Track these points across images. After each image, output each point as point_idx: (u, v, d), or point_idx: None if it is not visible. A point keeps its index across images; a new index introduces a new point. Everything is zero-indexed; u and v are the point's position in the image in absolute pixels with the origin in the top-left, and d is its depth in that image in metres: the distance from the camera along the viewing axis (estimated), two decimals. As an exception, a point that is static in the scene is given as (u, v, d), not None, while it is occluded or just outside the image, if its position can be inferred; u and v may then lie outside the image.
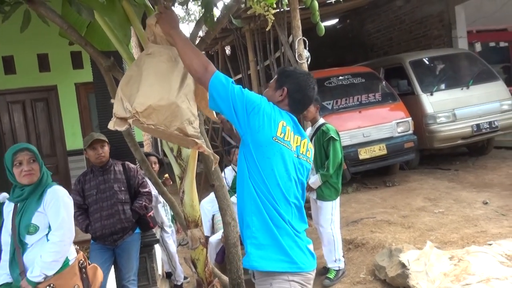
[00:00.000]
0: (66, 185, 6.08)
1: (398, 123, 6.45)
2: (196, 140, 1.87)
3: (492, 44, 10.09)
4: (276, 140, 1.75)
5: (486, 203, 4.97)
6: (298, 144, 1.85)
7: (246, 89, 1.77)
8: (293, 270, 1.74)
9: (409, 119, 6.52)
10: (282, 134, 1.78)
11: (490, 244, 3.47)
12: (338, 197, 3.81)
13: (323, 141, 3.73)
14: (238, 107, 1.72)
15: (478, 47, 9.30)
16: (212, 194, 4.64)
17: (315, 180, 3.73)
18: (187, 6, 2.39)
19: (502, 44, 10.22)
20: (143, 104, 1.79)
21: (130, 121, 1.82)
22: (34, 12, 2.20)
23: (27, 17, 2.31)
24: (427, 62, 7.48)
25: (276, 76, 1.96)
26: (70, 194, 2.46)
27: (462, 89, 6.91)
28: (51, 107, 6.20)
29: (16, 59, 5.99)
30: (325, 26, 3.75)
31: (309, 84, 1.90)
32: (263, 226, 1.74)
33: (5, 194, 2.73)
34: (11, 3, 2.28)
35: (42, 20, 2.31)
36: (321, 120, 3.87)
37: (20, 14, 2.26)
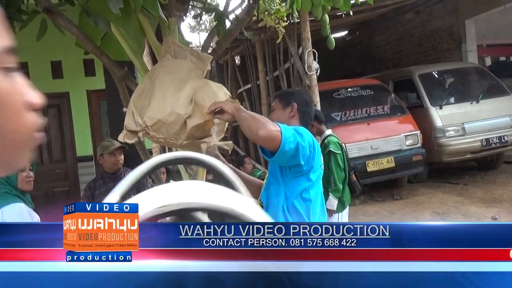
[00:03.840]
0: (75, 190, 6.13)
1: (406, 136, 6.42)
2: (205, 140, 1.87)
3: (502, 58, 10.08)
4: (322, 168, 1.84)
5: (495, 218, 4.92)
6: None
7: (294, 127, 1.67)
8: None
9: (418, 132, 6.49)
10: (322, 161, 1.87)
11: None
12: (346, 209, 3.76)
13: (324, 154, 3.66)
14: (303, 149, 1.64)
15: (488, 61, 9.28)
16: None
17: (331, 201, 3.55)
18: (200, 18, 2.44)
19: (512, 58, 10.21)
20: (153, 118, 1.79)
21: (140, 134, 1.83)
22: (50, 21, 2.26)
23: (44, 26, 2.37)
24: (436, 76, 7.46)
25: (277, 99, 1.97)
26: (79, 200, 2.49)
27: (471, 103, 6.87)
28: (63, 113, 6.29)
29: (30, 66, 6.09)
30: (334, 38, 3.78)
31: (310, 99, 2.05)
32: None
33: None
34: (29, 13, 2.35)
35: (58, 29, 2.37)
36: (327, 132, 3.74)
37: (35, 21, 2.31)
